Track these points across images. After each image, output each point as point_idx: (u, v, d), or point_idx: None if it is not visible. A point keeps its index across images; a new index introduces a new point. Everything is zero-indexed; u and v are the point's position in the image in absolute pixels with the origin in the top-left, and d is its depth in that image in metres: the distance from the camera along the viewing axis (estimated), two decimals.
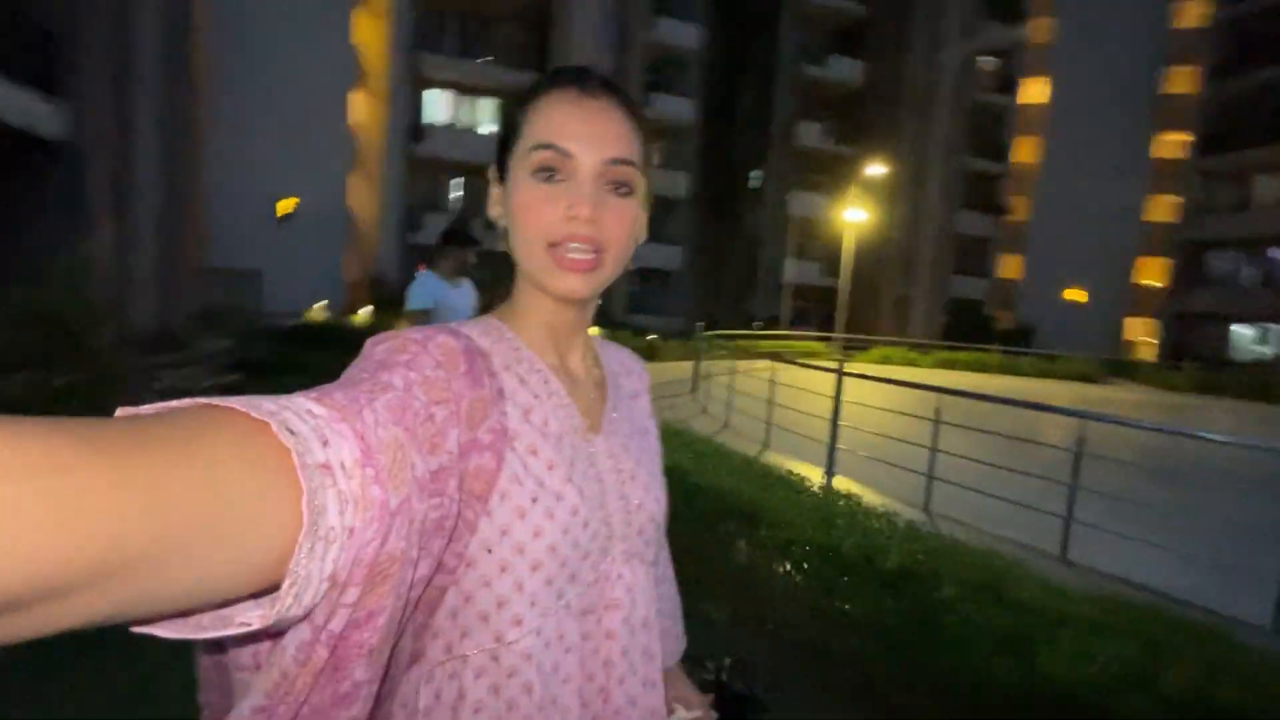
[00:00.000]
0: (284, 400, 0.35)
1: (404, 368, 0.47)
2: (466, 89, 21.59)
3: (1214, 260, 25.85)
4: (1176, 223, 26.78)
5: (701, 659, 0.84)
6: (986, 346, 19.38)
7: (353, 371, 0.47)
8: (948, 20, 24.73)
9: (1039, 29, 28.02)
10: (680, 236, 24.56)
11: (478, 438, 0.50)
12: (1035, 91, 28.40)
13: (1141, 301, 28.42)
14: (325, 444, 0.34)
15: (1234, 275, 25.25)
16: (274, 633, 0.38)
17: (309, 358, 8.10)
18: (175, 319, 11.20)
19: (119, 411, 0.30)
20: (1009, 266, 29.23)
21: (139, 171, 9.61)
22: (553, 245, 0.56)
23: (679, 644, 0.81)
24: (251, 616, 0.33)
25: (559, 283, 0.57)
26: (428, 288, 3.40)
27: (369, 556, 0.36)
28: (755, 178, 25.57)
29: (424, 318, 3.34)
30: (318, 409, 0.36)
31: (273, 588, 0.33)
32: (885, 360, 18.18)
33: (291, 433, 0.33)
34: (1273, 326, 23.32)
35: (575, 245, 0.56)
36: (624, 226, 0.58)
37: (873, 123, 25.86)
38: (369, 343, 0.51)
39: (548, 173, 0.56)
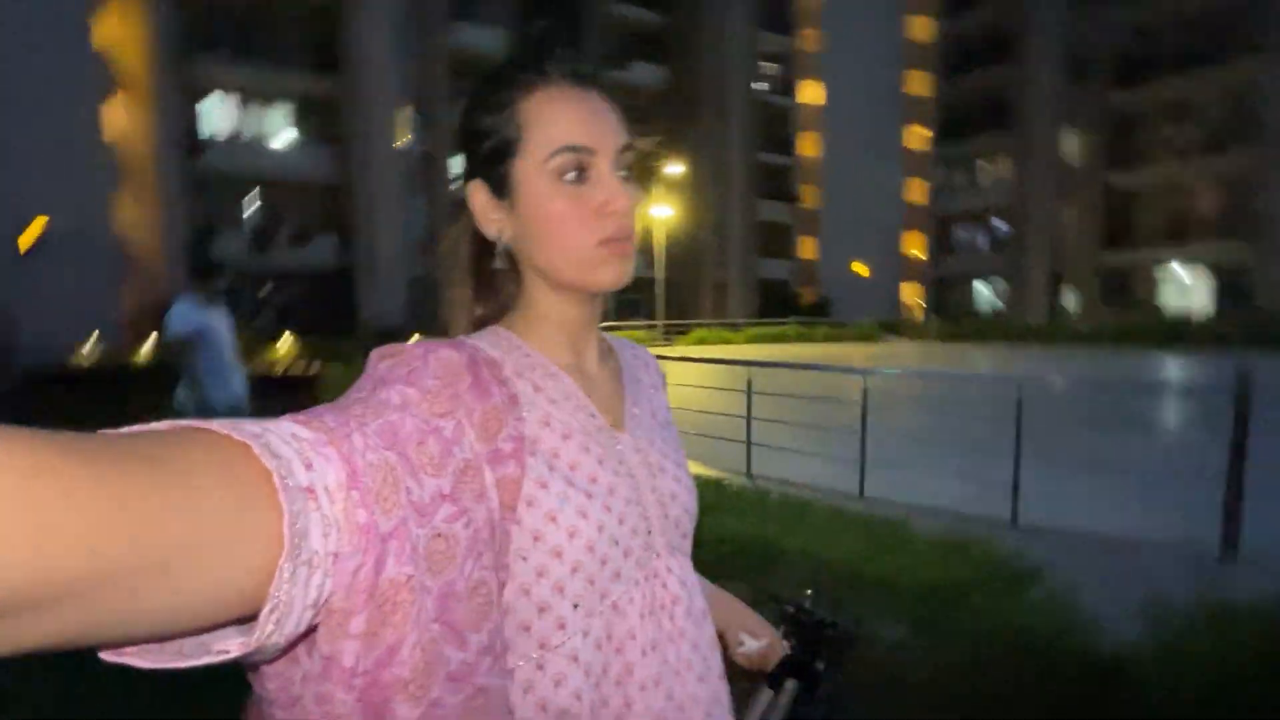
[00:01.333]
0: (268, 423, 0.35)
1: (403, 383, 0.47)
2: (252, 95, 20.02)
3: (957, 231, 31.34)
4: (927, 202, 32.07)
5: (779, 595, 0.86)
6: (786, 320, 22.01)
7: (353, 390, 0.48)
8: (731, 30, 27.35)
9: (808, 38, 31.91)
10: None
11: (498, 447, 0.50)
12: (811, 93, 32.32)
13: (910, 270, 33.69)
14: (309, 467, 0.34)
15: (972, 242, 30.81)
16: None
17: (74, 404, 7.40)
18: None
19: (99, 432, 0.29)
20: (807, 248, 33.08)
21: None
22: (602, 241, 0.56)
23: (702, 581, 0.85)
24: (231, 644, 0.32)
25: (612, 272, 0.58)
26: (188, 314, 3.61)
27: (366, 583, 0.36)
28: None
29: (193, 341, 3.56)
30: (304, 432, 0.36)
31: (255, 615, 0.32)
32: (702, 341, 19.99)
33: (274, 455, 0.33)
34: (1001, 281, 28.82)
35: (620, 235, 0.57)
36: (637, 209, 0.59)
37: (677, 124, 27.87)
38: (373, 357, 0.51)
39: (577, 175, 0.56)
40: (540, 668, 0.52)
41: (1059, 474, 4.78)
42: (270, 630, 0.31)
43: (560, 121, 0.56)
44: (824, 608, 0.82)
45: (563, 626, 0.53)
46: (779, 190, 31.24)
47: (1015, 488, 3.84)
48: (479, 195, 0.59)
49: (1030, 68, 25.22)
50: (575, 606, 0.53)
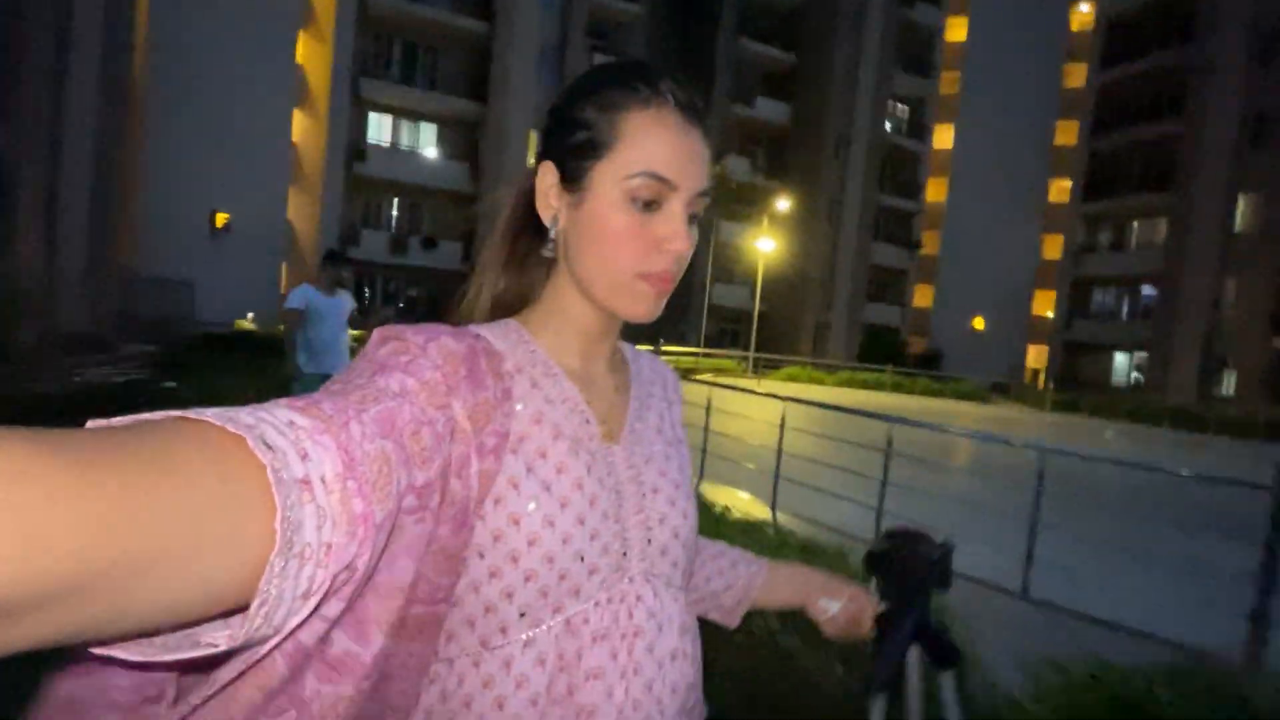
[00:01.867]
0: (264, 413, 0.34)
1: (401, 372, 0.46)
2: (408, 114, 22.56)
3: (1097, 294, 28.63)
4: (1065, 260, 29.59)
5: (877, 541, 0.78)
6: (883, 368, 21.16)
7: (351, 374, 0.47)
8: (863, 71, 27.06)
9: (948, 81, 30.79)
10: None
11: (482, 441, 0.50)
12: (944, 137, 31.07)
13: (1038, 330, 31.10)
14: (305, 458, 0.33)
15: (1114, 308, 28.01)
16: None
17: (226, 361, 8.85)
18: (101, 322, 11.73)
19: (90, 423, 0.29)
20: (922, 296, 31.56)
21: (67, 181, 10.25)
22: (644, 274, 0.56)
23: (758, 564, 0.79)
24: (219, 637, 0.31)
25: (642, 307, 0.57)
26: (301, 294, 4.37)
27: (359, 570, 0.36)
28: None
29: (296, 316, 4.24)
30: (301, 420, 0.35)
31: (242, 606, 0.31)
32: (792, 379, 19.68)
33: (269, 447, 0.32)
34: (1144, 354, 25.94)
35: (663, 276, 0.56)
36: (691, 252, 0.58)
37: (797, 160, 27.88)
38: (373, 339, 0.51)
39: (648, 203, 0.55)
40: (475, 665, 0.52)
41: (1094, 555, 4.47)
42: (259, 624, 0.31)
43: (656, 146, 0.55)
44: (905, 539, 0.76)
45: (504, 631, 0.52)
46: (899, 234, 30.19)
47: (1029, 558, 3.71)
48: (549, 176, 0.59)
49: (1201, 124, 22.81)
50: (521, 615, 0.52)
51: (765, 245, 20.68)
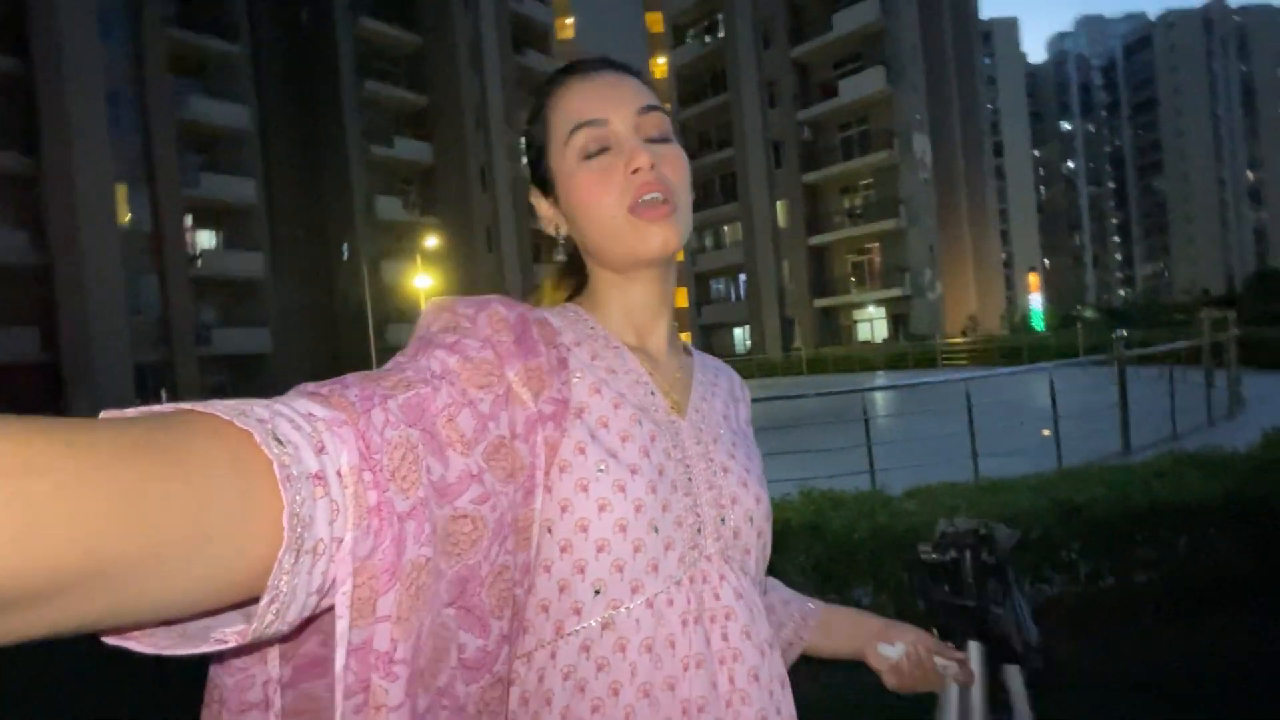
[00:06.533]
0: (281, 405, 0.34)
1: (446, 350, 0.45)
2: None
3: (714, 284, 36.04)
4: (687, 261, 36.60)
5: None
6: None
7: (402, 351, 0.47)
8: (493, 108, 29.46)
9: None
10: (269, 315, 23.63)
11: (539, 409, 0.48)
12: None
13: (682, 320, 37.86)
14: (320, 450, 0.33)
15: (726, 294, 35.59)
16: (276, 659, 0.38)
17: None
18: None
19: (103, 414, 0.29)
20: None
21: None
22: (631, 208, 0.55)
23: (812, 604, 0.75)
24: (230, 632, 0.31)
25: (650, 239, 0.55)
26: None
27: (386, 563, 0.34)
28: (344, 250, 26.29)
29: None
30: (320, 411, 0.35)
31: (255, 600, 0.31)
32: None
33: (280, 442, 0.31)
34: (747, 326, 33.58)
35: (649, 196, 0.55)
36: (681, 170, 0.58)
37: (447, 195, 28.99)
38: (428, 310, 0.51)
39: (596, 149, 0.56)
40: (553, 656, 0.49)
41: None
42: (270, 620, 0.31)
43: (572, 105, 0.58)
44: (951, 539, 0.68)
45: (579, 613, 0.49)
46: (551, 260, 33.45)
47: None
48: (535, 200, 0.63)
49: (744, 151, 30.63)
50: (596, 593, 0.48)
51: (423, 282, 21.28)
